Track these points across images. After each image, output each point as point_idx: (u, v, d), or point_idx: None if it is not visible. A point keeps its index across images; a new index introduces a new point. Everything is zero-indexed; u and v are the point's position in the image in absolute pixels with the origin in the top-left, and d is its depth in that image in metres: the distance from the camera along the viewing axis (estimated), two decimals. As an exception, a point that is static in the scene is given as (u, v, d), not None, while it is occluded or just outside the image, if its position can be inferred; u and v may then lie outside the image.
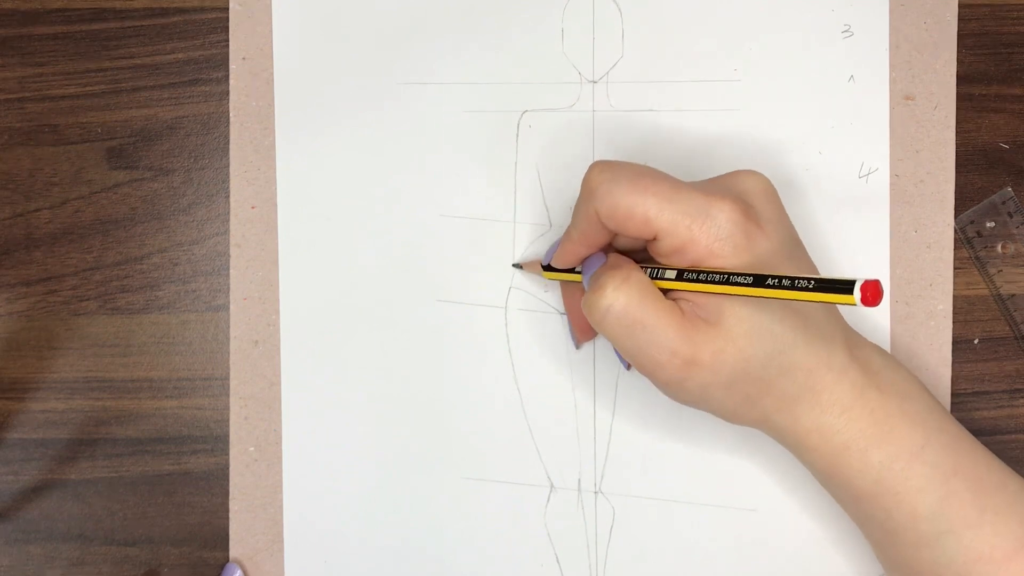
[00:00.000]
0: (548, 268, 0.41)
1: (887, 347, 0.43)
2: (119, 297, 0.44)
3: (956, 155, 0.44)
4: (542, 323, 0.43)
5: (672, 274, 0.35)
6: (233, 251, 0.43)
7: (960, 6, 0.44)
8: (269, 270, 0.43)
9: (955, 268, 0.44)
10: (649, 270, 0.36)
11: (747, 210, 0.35)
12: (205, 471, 0.43)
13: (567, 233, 0.38)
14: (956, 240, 0.44)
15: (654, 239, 0.35)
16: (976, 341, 0.44)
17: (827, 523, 0.43)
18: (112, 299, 0.44)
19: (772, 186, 0.37)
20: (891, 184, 0.43)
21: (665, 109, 0.43)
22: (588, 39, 0.43)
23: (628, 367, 0.43)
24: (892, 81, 0.43)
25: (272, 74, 0.43)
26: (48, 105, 0.44)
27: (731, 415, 0.37)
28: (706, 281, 0.34)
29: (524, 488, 0.43)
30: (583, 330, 0.42)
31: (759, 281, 0.33)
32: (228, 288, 0.43)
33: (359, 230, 0.43)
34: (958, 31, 0.44)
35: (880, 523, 0.36)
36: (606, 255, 0.38)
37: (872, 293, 0.30)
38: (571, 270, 0.39)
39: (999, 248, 0.43)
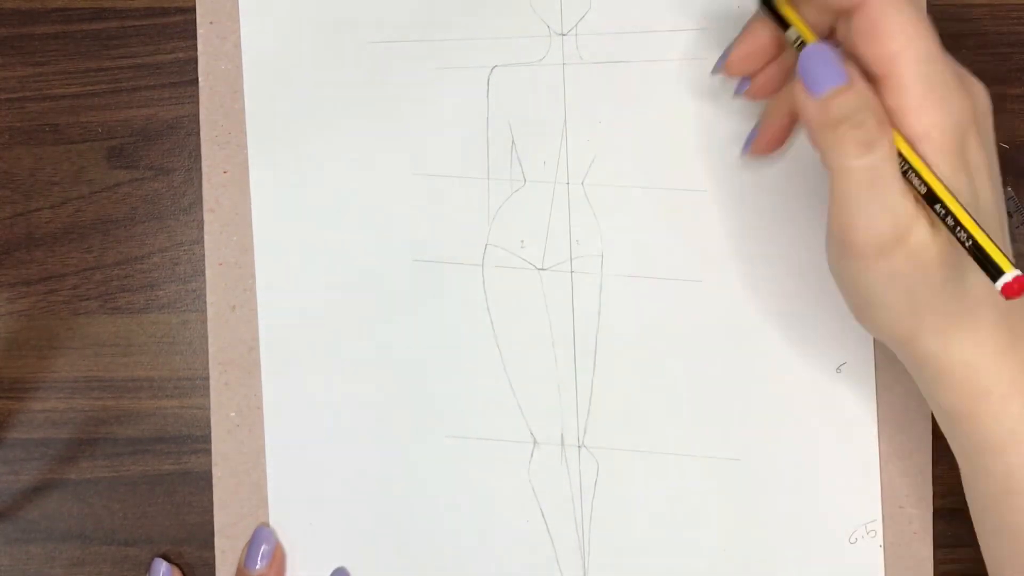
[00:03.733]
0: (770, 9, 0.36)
1: None
2: (119, 297, 0.44)
3: (956, 155, 0.44)
4: (519, 280, 0.43)
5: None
6: (207, 216, 0.43)
7: (960, 6, 0.44)
8: (244, 234, 0.43)
9: (955, 268, 0.44)
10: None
11: (975, 118, 0.33)
12: (205, 471, 0.43)
13: None
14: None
15: (881, 77, 0.32)
16: (976, 341, 0.44)
17: (810, 472, 0.43)
18: (112, 299, 0.44)
19: (992, 113, 0.35)
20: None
21: (635, 60, 0.43)
22: None
23: (746, 151, 0.40)
24: None
25: (239, 38, 0.43)
26: (48, 105, 0.44)
27: (881, 308, 0.34)
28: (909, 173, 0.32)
29: (507, 445, 0.43)
30: (777, 136, 0.39)
31: (930, 199, 0.32)
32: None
33: (332, 192, 0.43)
34: (958, 31, 0.44)
35: (999, 480, 0.35)
36: (844, 70, 0.33)
37: (1018, 288, 0.30)
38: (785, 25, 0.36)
39: (999, 248, 0.43)
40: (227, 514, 0.43)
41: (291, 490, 0.43)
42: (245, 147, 0.43)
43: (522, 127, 0.43)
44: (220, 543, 0.43)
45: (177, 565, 0.43)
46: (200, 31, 0.43)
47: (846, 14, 0.33)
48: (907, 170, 0.32)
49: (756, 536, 0.43)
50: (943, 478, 0.43)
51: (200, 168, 0.43)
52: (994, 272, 0.31)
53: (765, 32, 0.37)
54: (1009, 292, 0.31)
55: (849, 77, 0.32)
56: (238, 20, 0.43)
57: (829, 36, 0.36)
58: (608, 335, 0.43)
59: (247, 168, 0.43)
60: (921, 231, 0.32)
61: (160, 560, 0.43)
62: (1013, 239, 0.43)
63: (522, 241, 0.43)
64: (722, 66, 0.39)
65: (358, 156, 0.43)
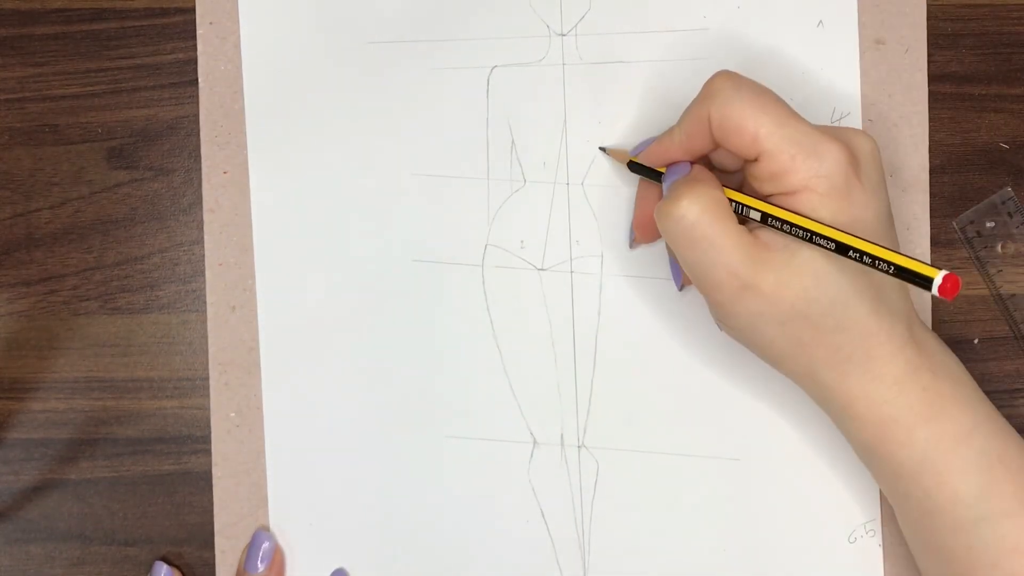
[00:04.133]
0: (633, 166, 0.40)
1: None
2: (119, 297, 0.44)
3: (955, 154, 0.44)
4: (519, 280, 0.43)
5: (757, 215, 0.35)
6: (207, 216, 0.43)
7: (960, 6, 0.44)
8: (244, 235, 0.43)
9: (955, 268, 0.44)
10: (734, 204, 0.36)
11: (853, 160, 0.35)
12: (205, 471, 0.43)
13: (669, 132, 0.38)
14: (956, 240, 0.44)
15: (755, 160, 0.35)
16: (976, 341, 0.44)
17: (810, 473, 0.43)
18: (112, 299, 0.44)
19: (878, 151, 0.36)
20: (864, 129, 0.43)
21: (635, 60, 0.43)
22: None
23: (680, 288, 0.42)
24: (862, 26, 0.43)
25: (239, 38, 0.43)
26: (48, 105, 0.44)
27: (778, 358, 0.36)
28: (789, 233, 0.34)
29: (507, 445, 0.43)
30: (645, 233, 0.42)
31: (841, 250, 0.33)
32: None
33: (331, 192, 0.43)
34: (958, 31, 0.44)
35: (918, 502, 0.36)
36: (691, 166, 0.38)
37: (952, 287, 0.31)
38: (656, 173, 0.39)
39: (999, 248, 0.43)
40: (227, 514, 0.43)
41: (291, 490, 0.43)
42: (245, 147, 0.43)
43: (522, 127, 0.43)
44: (220, 543, 0.43)
45: (177, 567, 0.43)
46: (200, 31, 0.43)
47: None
48: (779, 223, 0.35)
49: (756, 536, 0.43)
50: (943, 478, 0.43)
51: (200, 168, 0.43)
52: (924, 283, 0.31)
53: (652, 195, 0.41)
54: (945, 292, 0.31)
55: (691, 169, 0.37)
56: (238, 20, 0.43)
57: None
58: (608, 335, 0.43)
59: (247, 168, 0.43)
60: (773, 276, 0.34)
61: (160, 563, 0.43)
62: (1013, 239, 0.43)
63: (522, 241, 0.43)
64: (633, 240, 0.43)
65: (358, 156, 0.43)
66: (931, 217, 0.43)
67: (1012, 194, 0.43)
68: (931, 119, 0.43)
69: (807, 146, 0.34)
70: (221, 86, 0.43)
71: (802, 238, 0.34)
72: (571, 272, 0.43)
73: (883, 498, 0.43)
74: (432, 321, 0.43)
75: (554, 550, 0.43)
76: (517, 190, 0.43)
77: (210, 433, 0.43)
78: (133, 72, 0.44)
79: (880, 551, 0.43)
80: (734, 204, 0.36)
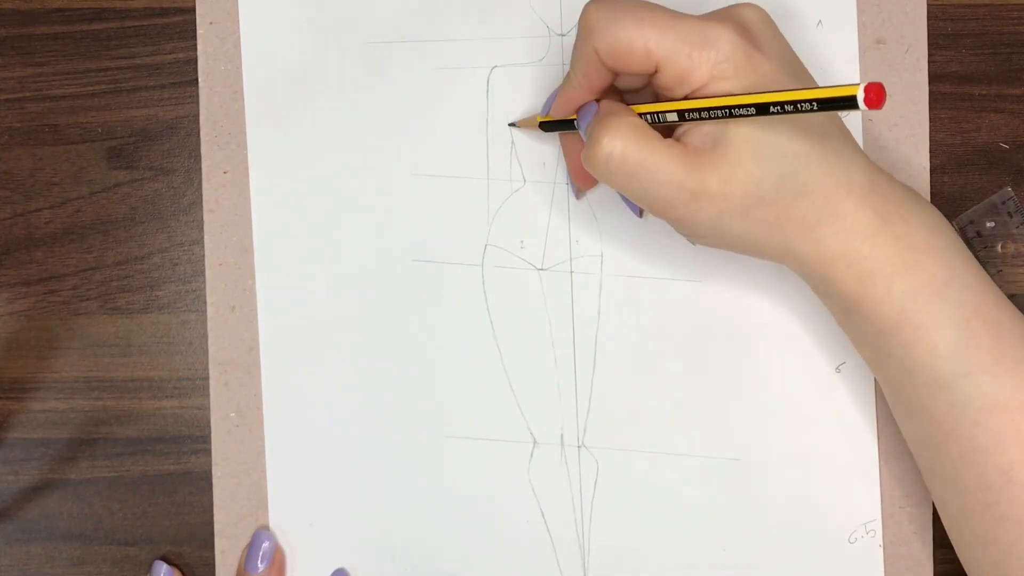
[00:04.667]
0: (545, 125, 0.40)
1: None
2: (119, 297, 0.44)
3: (955, 154, 0.44)
4: (519, 280, 0.43)
5: (674, 116, 0.35)
6: (207, 216, 0.43)
7: (960, 6, 0.44)
8: (243, 235, 0.43)
9: (955, 268, 0.44)
10: (649, 116, 0.36)
11: (746, 33, 0.35)
12: (205, 471, 0.43)
13: (566, 79, 0.38)
14: (956, 240, 0.44)
15: (655, 72, 0.35)
16: (976, 341, 0.44)
17: (810, 472, 0.43)
18: (112, 299, 0.44)
19: (768, 15, 0.36)
20: (865, 128, 0.43)
21: None
22: None
23: (640, 214, 0.42)
24: (862, 25, 0.43)
25: (239, 38, 0.43)
26: (48, 105, 0.44)
27: (752, 246, 0.36)
28: (708, 118, 0.34)
29: (507, 445, 0.43)
30: (584, 180, 0.42)
31: (762, 110, 0.32)
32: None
33: (331, 192, 0.43)
34: (958, 31, 0.44)
35: (899, 360, 0.36)
36: (598, 104, 0.37)
37: (876, 95, 0.30)
38: (569, 123, 0.39)
39: (999, 248, 0.43)
40: (227, 514, 0.43)
41: (291, 490, 0.43)
42: (245, 147, 0.43)
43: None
44: (220, 543, 0.43)
45: (177, 567, 0.43)
46: (200, 31, 0.43)
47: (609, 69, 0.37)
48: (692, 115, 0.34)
49: (756, 536, 0.43)
50: (943, 478, 0.43)
51: (200, 168, 0.43)
52: (847, 102, 0.30)
53: (575, 144, 0.41)
54: (871, 103, 0.30)
55: (598, 107, 0.37)
56: (238, 20, 0.43)
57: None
58: (608, 335, 0.43)
59: (247, 168, 0.43)
60: (715, 174, 0.34)
61: (160, 563, 0.43)
62: (1013, 239, 0.43)
63: (522, 241, 0.43)
64: (577, 191, 0.43)
65: (358, 156, 0.43)
66: (931, 217, 0.43)
67: (1012, 194, 0.43)
68: (931, 119, 0.43)
69: (698, 40, 0.34)
70: (221, 86, 0.43)
71: (722, 117, 0.33)
72: (571, 272, 0.43)
73: (884, 498, 0.43)
74: (432, 321, 0.43)
75: (554, 550, 0.43)
76: (517, 190, 0.43)
77: (210, 433, 0.43)
78: (133, 72, 0.44)
79: (880, 551, 0.43)
80: (649, 117, 0.36)
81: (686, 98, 0.35)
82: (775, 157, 0.34)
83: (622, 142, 0.35)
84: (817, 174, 0.34)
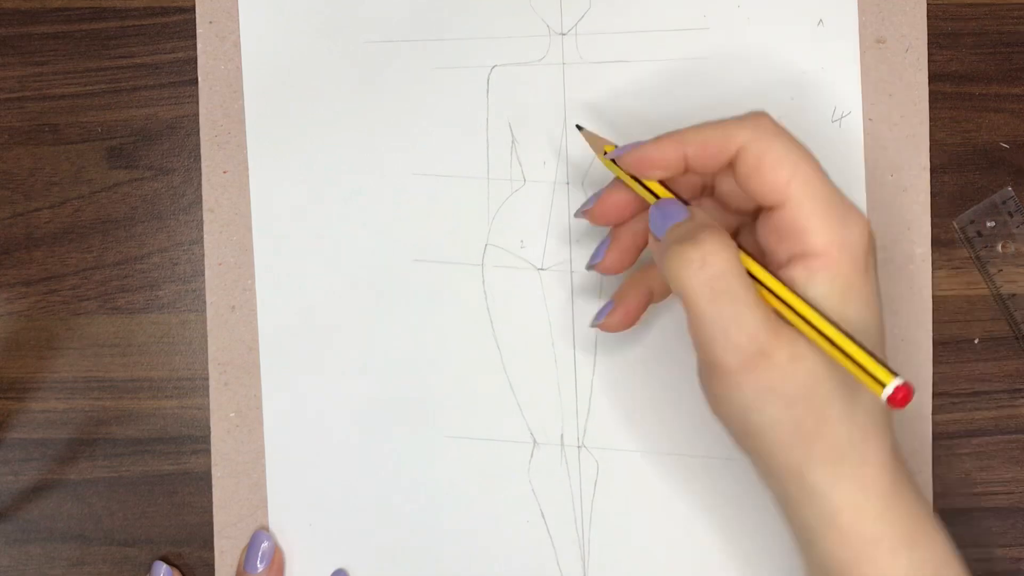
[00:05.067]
0: (610, 158, 0.37)
1: None
2: (119, 297, 0.44)
3: (955, 154, 0.44)
4: (518, 280, 0.43)
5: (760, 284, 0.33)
6: (206, 216, 0.43)
7: (960, 5, 0.44)
8: (243, 235, 0.43)
9: (955, 268, 0.44)
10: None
11: (874, 245, 0.32)
12: (205, 471, 0.43)
13: (678, 135, 0.34)
14: (956, 240, 0.44)
15: (773, 208, 0.32)
16: (976, 341, 0.44)
17: None
18: (112, 299, 0.43)
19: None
20: (865, 128, 0.43)
21: (635, 59, 0.43)
22: None
23: (588, 267, 0.39)
24: (862, 25, 0.43)
25: (239, 37, 0.43)
26: (48, 105, 0.43)
27: (773, 446, 0.32)
28: (792, 312, 0.32)
29: (507, 445, 0.43)
30: (623, 256, 0.38)
31: (821, 336, 0.31)
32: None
33: (331, 192, 0.43)
34: (958, 31, 0.44)
35: None
36: (688, 208, 0.34)
37: (903, 396, 0.29)
38: (638, 181, 0.36)
39: (999, 248, 0.43)
40: (227, 514, 0.43)
41: (291, 490, 0.43)
42: (245, 147, 0.43)
43: (522, 127, 0.43)
44: (220, 544, 0.43)
45: (177, 567, 0.43)
46: (200, 31, 0.43)
47: (730, 162, 0.33)
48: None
49: (755, 536, 0.43)
50: (943, 478, 0.43)
51: (200, 168, 0.43)
52: (878, 384, 0.30)
53: (623, 193, 0.37)
54: (894, 402, 0.30)
55: (690, 212, 0.33)
56: (238, 20, 0.43)
57: (705, 192, 0.36)
58: (608, 335, 0.43)
59: (247, 168, 0.43)
60: (789, 347, 0.31)
61: (160, 563, 0.43)
62: (1013, 239, 0.43)
63: (522, 241, 0.43)
64: (584, 212, 0.39)
65: (358, 156, 0.43)
66: (931, 217, 0.43)
67: (1012, 194, 0.43)
68: (931, 119, 0.43)
69: (837, 209, 0.32)
70: (221, 86, 0.43)
71: (803, 325, 0.31)
72: (571, 272, 0.43)
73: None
74: (432, 321, 0.43)
75: (554, 550, 0.43)
76: (517, 190, 0.43)
77: (210, 433, 0.43)
78: (133, 71, 0.44)
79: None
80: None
81: (773, 256, 0.33)
82: (840, 370, 0.32)
83: (726, 260, 0.31)
84: (863, 408, 0.32)
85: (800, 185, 0.32)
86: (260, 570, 0.42)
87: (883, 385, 0.30)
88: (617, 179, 0.37)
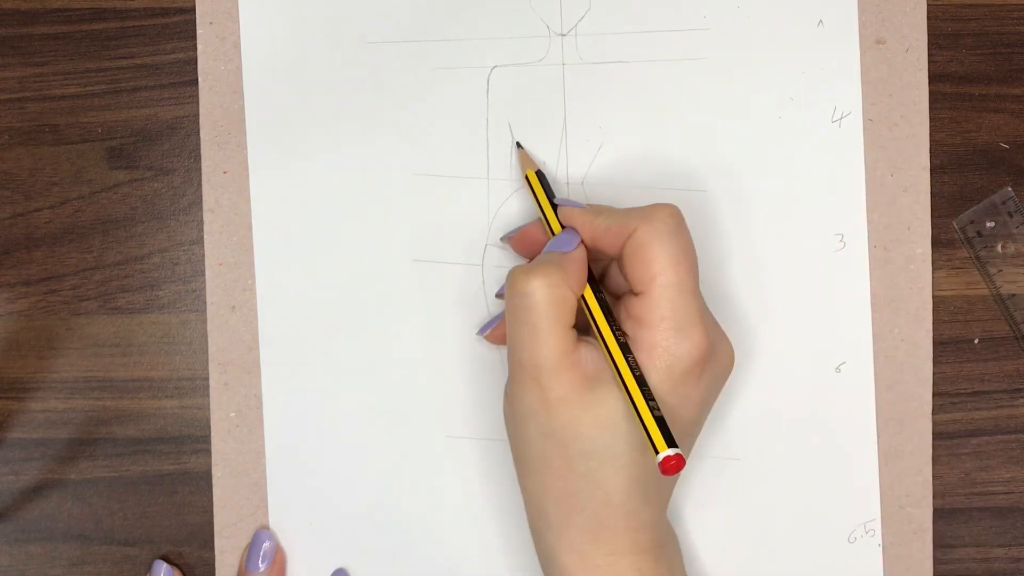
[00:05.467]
0: (530, 179, 0.41)
1: (866, 295, 0.43)
2: (119, 297, 0.44)
3: (955, 154, 0.44)
4: None
5: (593, 322, 0.36)
6: (206, 216, 0.43)
7: (960, 6, 0.44)
8: (243, 235, 0.43)
9: (955, 268, 0.44)
10: (587, 302, 0.37)
11: (714, 358, 0.36)
12: (205, 471, 0.43)
13: (597, 210, 0.38)
14: (956, 240, 0.44)
15: (636, 293, 0.36)
16: (976, 341, 0.44)
17: (809, 472, 0.43)
18: (112, 299, 0.44)
19: (728, 371, 0.38)
20: (865, 129, 0.43)
21: (635, 60, 0.43)
22: None
23: (480, 332, 0.42)
24: (862, 25, 0.43)
25: (239, 38, 0.43)
26: (48, 105, 0.44)
27: (526, 463, 0.36)
28: (604, 349, 0.36)
29: (508, 445, 0.43)
30: (526, 249, 0.42)
31: (620, 375, 0.35)
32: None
33: (332, 192, 0.43)
34: (958, 31, 0.44)
35: None
36: (584, 245, 0.38)
37: (672, 465, 0.33)
38: (549, 200, 0.40)
39: (999, 248, 0.43)
40: (227, 514, 0.43)
41: (291, 490, 0.43)
42: (245, 147, 0.43)
43: (522, 127, 0.43)
44: (220, 543, 0.43)
45: (177, 566, 0.43)
46: (200, 31, 0.43)
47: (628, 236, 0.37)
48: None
49: (755, 535, 0.43)
50: (943, 478, 0.43)
51: (200, 168, 0.43)
52: (656, 449, 0.33)
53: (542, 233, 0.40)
54: (666, 468, 0.33)
55: (575, 248, 0.37)
56: (238, 20, 0.43)
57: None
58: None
59: (247, 168, 0.43)
60: (565, 386, 0.35)
61: (160, 562, 0.43)
62: (1013, 239, 0.43)
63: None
64: (508, 239, 0.42)
65: (358, 156, 0.43)
66: (931, 217, 0.43)
67: (1012, 194, 0.43)
68: (931, 119, 0.43)
69: (682, 321, 0.35)
70: (221, 86, 0.43)
71: (608, 358, 0.35)
72: (571, 272, 0.43)
73: (884, 498, 0.43)
74: (432, 321, 0.43)
75: (554, 550, 0.43)
76: (517, 190, 0.43)
77: (210, 433, 0.43)
78: (133, 72, 0.44)
79: (880, 551, 0.43)
80: (586, 302, 0.37)
81: (625, 295, 0.37)
82: (609, 435, 0.35)
83: (547, 298, 0.35)
84: (620, 483, 0.35)
85: (661, 287, 0.35)
86: (262, 570, 0.42)
87: (658, 452, 0.33)
88: (539, 221, 0.40)
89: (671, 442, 0.33)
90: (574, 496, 0.35)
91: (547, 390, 0.35)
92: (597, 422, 0.35)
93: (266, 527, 0.43)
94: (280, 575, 0.43)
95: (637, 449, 0.35)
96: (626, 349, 0.35)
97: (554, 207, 0.39)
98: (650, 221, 0.36)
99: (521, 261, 0.42)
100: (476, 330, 0.43)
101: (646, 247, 0.35)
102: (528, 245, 0.41)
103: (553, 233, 0.39)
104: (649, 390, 0.34)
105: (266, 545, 0.42)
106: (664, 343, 0.35)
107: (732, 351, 0.38)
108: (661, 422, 0.34)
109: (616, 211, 0.37)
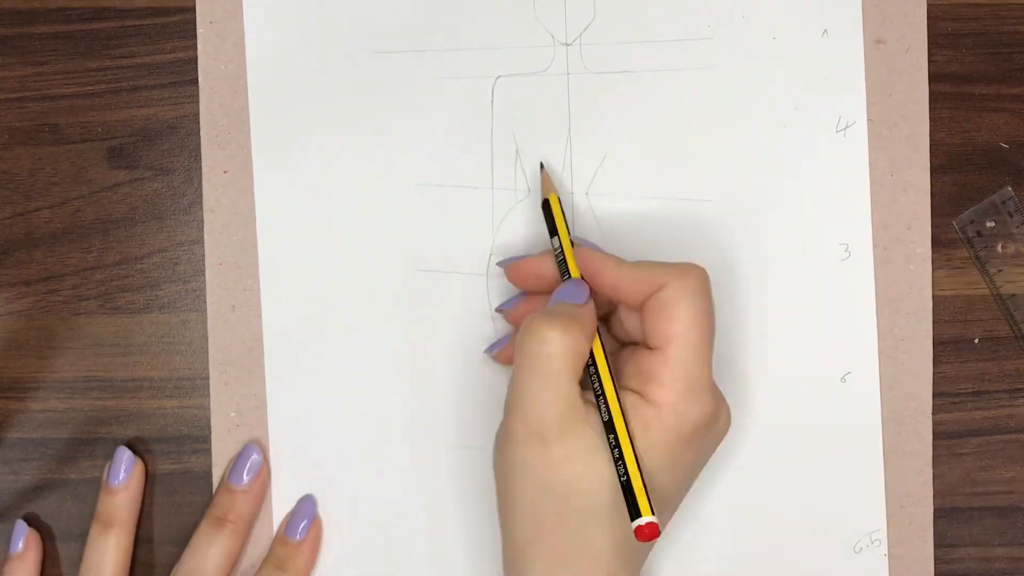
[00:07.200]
0: (547, 207, 0.40)
1: (872, 305, 0.43)
2: (119, 297, 0.44)
3: (955, 154, 0.44)
4: None
5: (596, 379, 0.36)
6: (207, 216, 0.43)
7: (960, 6, 0.44)
8: (244, 235, 0.43)
9: (955, 268, 0.44)
10: (592, 359, 0.37)
11: (702, 430, 0.36)
12: (205, 471, 0.43)
13: (619, 262, 0.37)
14: (956, 240, 0.44)
15: (648, 348, 0.36)
16: (976, 341, 0.44)
17: (815, 482, 0.43)
18: (112, 299, 0.43)
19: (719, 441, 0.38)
20: (865, 130, 0.43)
21: (639, 70, 0.43)
22: (560, 1, 0.43)
23: (488, 350, 0.43)
24: (862, 26, 0.43)
25: (240, 38, 0.43)
26: (48, 104, 0.43)
27: (513, 516, 0.36)
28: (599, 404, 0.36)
29: None
30: (522, 281, 0.41)
31: (609, 429, 0.35)
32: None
33: (336, 201, 0.43)
34: (958, 31, 0.44)
35: None
36: (587, 296, 0.38)
37: (648, 533, 0.33)
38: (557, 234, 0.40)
39: (999, 248, 0.43)
40: (227, 514, 0.43)
41: (291, 491, 0.43)
42: (245, 147, 0.43)
43: (526, 137, 0.43)
44: (220, 543, 0.43)
45: (140, 455, 0.43)
46: (200, 31, 0.43)
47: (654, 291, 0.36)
48: (599, 396, 0.36)
49: (760, 544, 0.43)
50: (943, 478, 0.43)
51: (200, 168, 0.43)
52: (635, 513, 0.34)
53: (543, 267, 0.40)
54: (640, 535, 0.34)
55: (585, 301, 0.37)
56: (238, 20, 0.43)
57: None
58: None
59: (247, 168, 0.43)
60: (566, 446, 0.35)
61: (123, 448, 0.42)
62: (1013, 239, 0.43)
63: (526, 252, 0.43)
64: (504, 267, 0.41)
65: (362, 167, 0.43)
66: (931, 217, 0.43)
67: (1012, 194, 0.43)
68: (931, 119, 0.43)
69: (693, 384, 0.35)
70: (221, 85, 0.43)
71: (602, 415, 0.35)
72: (572, 273, 0.43)
73: (889, 508, 0.43)
74: (436, 330, 0.43)
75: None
76: (521, 200, 0.43)
77: (210, 433, 0.43)
78: (133, 71, 0.44)
79: (886, 561, 0.43)
80: (592, 359, 0.36)
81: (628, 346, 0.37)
82: (601, 493, 0.35)
83: (561, 351, 0.35)
84: (607, 543, 0.35)
85: (681, 347, 0.35)
86: (246, 482, 0.42)
87: (640, 516, 0.34)
88: (543, 255, 0.40)
89: (650, 509, 0.34)
90: (563, 552, 0.35)
91: (551, 445, 0.35)
92: (600, 481, 0.35)
93: (257, 442, 0.43)
94: (263, 490, 0.42)
95: (621, 513, 0.35)
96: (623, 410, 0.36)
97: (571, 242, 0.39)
98: (682, 279, 0.36)
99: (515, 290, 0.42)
100: (480, 341, 0.43)
101: (672, 305, 0.35)
102: (525, 278, 0.40)
103: (566, 267, 0.39)
104: (636, 455, 0.35)
105: (254, 458, 0.42)
106: (674, 403, 0.35)
107: (730, 418, 0.38)
108: (645, 488, 0.34)
109: (643, 264, 0.37)
